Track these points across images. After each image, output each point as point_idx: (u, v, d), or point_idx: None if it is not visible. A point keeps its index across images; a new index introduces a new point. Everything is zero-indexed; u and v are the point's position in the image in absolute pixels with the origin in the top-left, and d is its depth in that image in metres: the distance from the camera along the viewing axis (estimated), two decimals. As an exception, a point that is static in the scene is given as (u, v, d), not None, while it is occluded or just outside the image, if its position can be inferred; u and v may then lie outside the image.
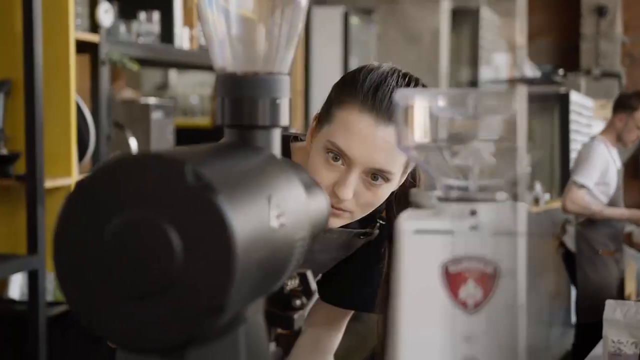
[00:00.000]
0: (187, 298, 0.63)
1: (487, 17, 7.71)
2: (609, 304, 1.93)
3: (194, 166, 0.63)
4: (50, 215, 2.46)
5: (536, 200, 6.37)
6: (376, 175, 1.27)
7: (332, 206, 1.27)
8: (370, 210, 1.32)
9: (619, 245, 4.63)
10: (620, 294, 4.59)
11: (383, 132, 1.23)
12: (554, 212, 6.81)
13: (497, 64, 8.08)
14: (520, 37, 5.81)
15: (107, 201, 0.65)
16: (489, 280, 0.70)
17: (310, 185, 0.88)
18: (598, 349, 2.13)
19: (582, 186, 4.34)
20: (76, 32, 2.64)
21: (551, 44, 6.81)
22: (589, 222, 4.53)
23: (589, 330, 3.42)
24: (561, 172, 7.49)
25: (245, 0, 0.84)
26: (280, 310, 0.89)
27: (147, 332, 0.63)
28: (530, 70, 6.02)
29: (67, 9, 2.55)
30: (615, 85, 9.48)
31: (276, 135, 0.84)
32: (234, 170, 0.70)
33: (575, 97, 7.30)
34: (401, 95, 0.72)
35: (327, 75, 5.34)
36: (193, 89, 6.02)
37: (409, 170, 1.33)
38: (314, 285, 0.90)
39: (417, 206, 0.80)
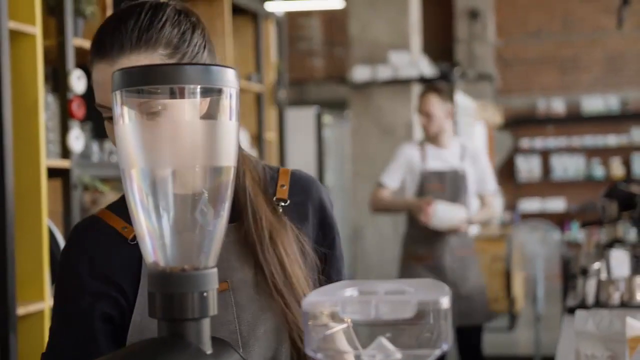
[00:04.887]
0: None
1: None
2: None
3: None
4: (22, 343, 2.49)
5: None
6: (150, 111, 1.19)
7: None
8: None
9: (431, 252, 4.22)
10: None
11: (120, 66, 1.18)
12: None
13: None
14: (415, 37, 5.91)
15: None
16: None
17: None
18: None
19: (380, 185, 4.26)
20: (48, 159, 2.71)
21: (425, 45, 6.88)
22: (409, 226, 4.26)
23: None
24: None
25: (170, 201, 0.91)
26: None
27: None
28: (427, 69, 6.07)
29: (38, 137, 2.63)
30: (488, 87, 9.71)
31: (205, 325, 0.90)
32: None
33: (459, 99, 7.41)
34: (307, 302, 0.78)
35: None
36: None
37: None
38: None
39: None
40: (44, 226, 2.64)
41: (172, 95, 0.89)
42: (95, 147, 3.09)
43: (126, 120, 0.90)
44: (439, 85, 4.32)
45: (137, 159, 0.90)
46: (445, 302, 0.77)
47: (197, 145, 0.90)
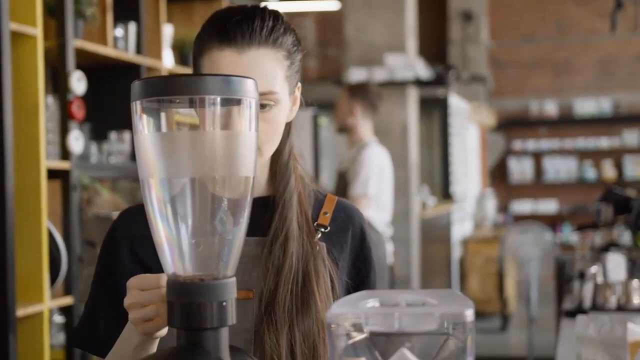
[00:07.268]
0: None
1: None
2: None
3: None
4: (22, 344, 2.49)
5: (424, 205, 6.35)
6: (261, 102, 1.20)
7: None
8: (276, 141, 1.28)
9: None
10: None
11: (249, 57, 1.22)
12: (442, 216, 6.88)
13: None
14: (411, 39, 5.93)
15: None
16: None
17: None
18: None
19: None
20: (47, 160, 2.71)
21: (419, 47, 6.91)
22: None
23: None
24: (442, 174, 7.62)
25: (189, 210, 0.91)
26: None
27: None
28: (423, 71, 6.12)
29: (38, 138, 2.63)
30: (482, 89, 9.74)
31: (224, 335, 0.90)
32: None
33: (453, 101, 7.47)
34: (331, 314, 0.79)
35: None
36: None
37: (297, 84, 1.32)
38: None
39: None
40: (44, 227, 2.63)
41: (192, 105, 0.89)
42: (94, 148, 3.09)
43: (145, 130, 0.90)
44: (355, 85, 4.52)
45: (156, 168, 0.90)
46: (469, 315, 0.77)
47: (216, 155, 0.90)
